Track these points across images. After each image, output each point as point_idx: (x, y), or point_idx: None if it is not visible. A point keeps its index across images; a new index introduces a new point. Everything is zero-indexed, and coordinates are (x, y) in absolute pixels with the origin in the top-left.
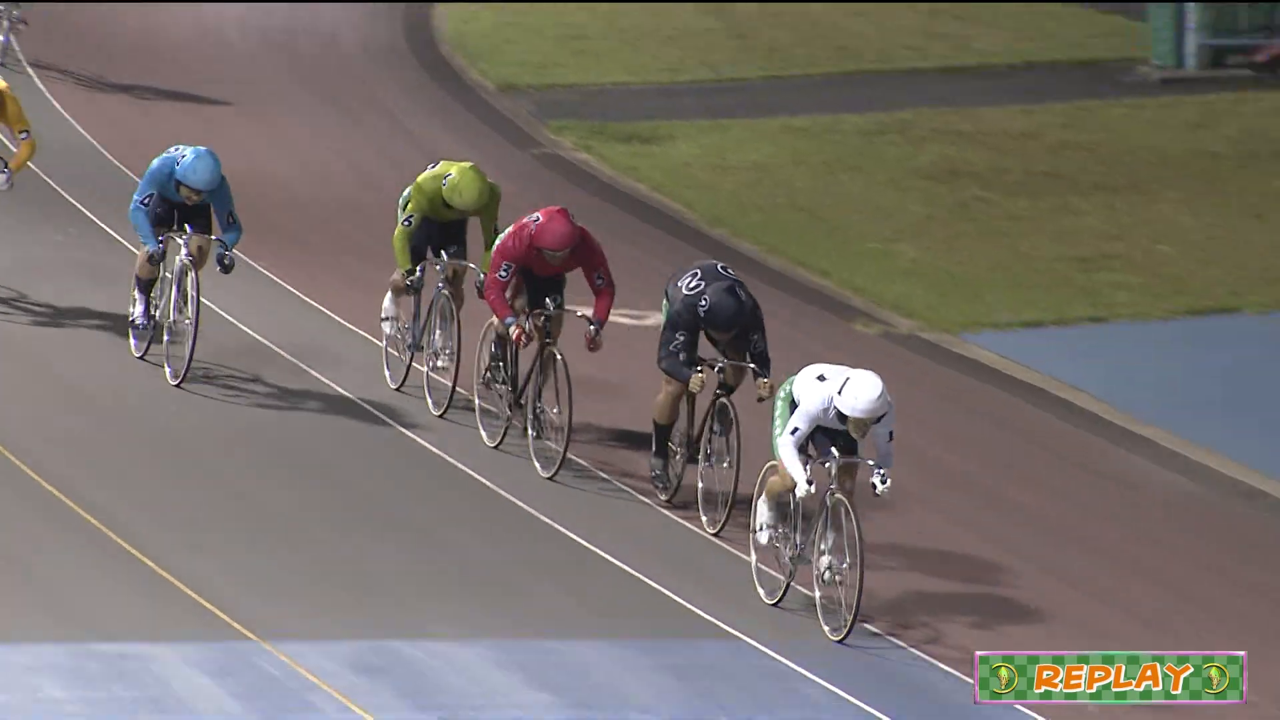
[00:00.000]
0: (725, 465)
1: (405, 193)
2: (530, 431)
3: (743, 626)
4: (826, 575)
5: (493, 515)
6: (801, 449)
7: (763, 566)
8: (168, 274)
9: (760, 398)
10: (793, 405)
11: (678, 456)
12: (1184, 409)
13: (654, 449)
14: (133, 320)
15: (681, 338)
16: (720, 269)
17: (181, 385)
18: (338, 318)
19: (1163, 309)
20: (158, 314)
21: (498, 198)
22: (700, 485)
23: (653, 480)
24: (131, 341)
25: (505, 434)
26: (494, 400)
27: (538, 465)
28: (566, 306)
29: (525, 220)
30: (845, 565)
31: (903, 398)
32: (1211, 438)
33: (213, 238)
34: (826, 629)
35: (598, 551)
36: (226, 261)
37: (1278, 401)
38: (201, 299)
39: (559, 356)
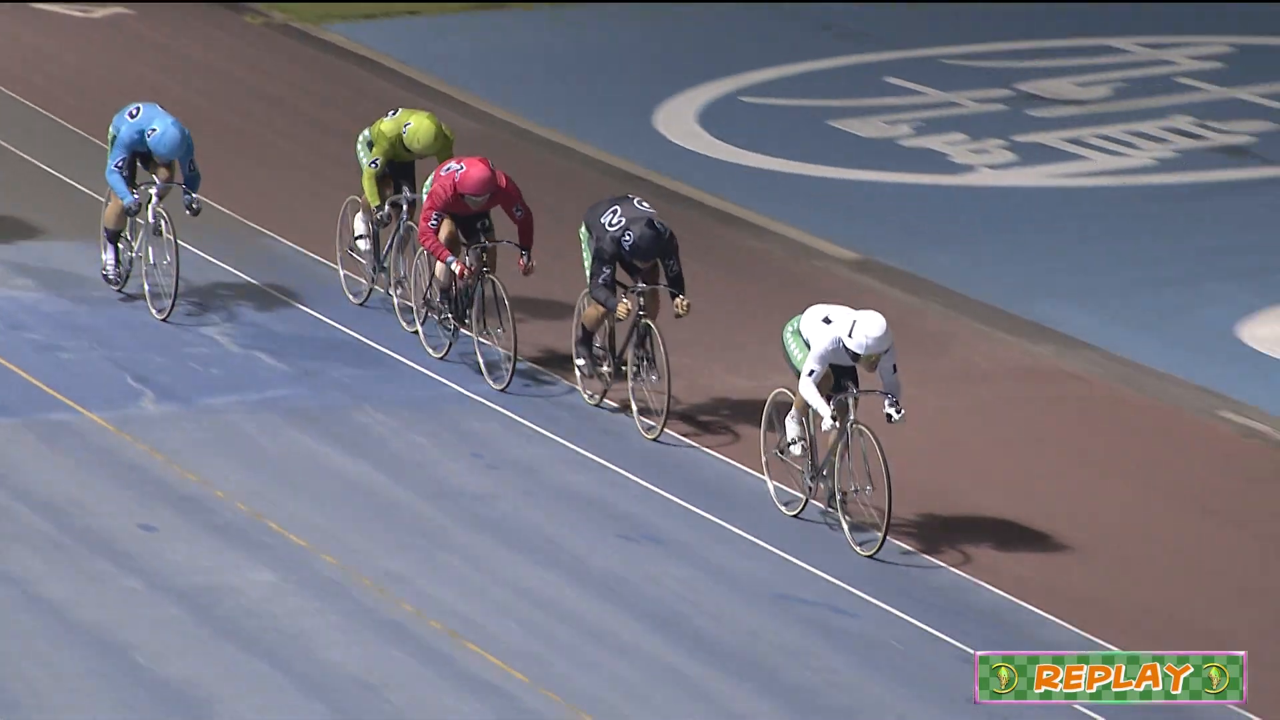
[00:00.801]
0: (654, 379)
1: (362, 137)
2: (480, 350)
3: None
4: (853, 496)
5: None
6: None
7: (780, 486)
8: (140, 221)
9: (677, 314)
10: (803, 342)
11: (604, 367)
12: (473, 72)
13: (583, 353)
14: (104, 273)
15: (608, 270)
16: (637, 202)
17: (168, 320)
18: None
19: (457, 6)
20: (135, 252)
21: (452, 142)
22: (634, 401)
23: (579, 369)
24: (104, 258)
25: (450, 348)
26: (435, 327)
27: (488, 379)
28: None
29: (450, 170)
30: (870, 489)
31: (283, 76)
32: (490, 92)
33: (177, 183)
34: (856, 546)
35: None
36: (195, 206)
37: (532, 64)
38: (178, 241)
39: (496, 282)
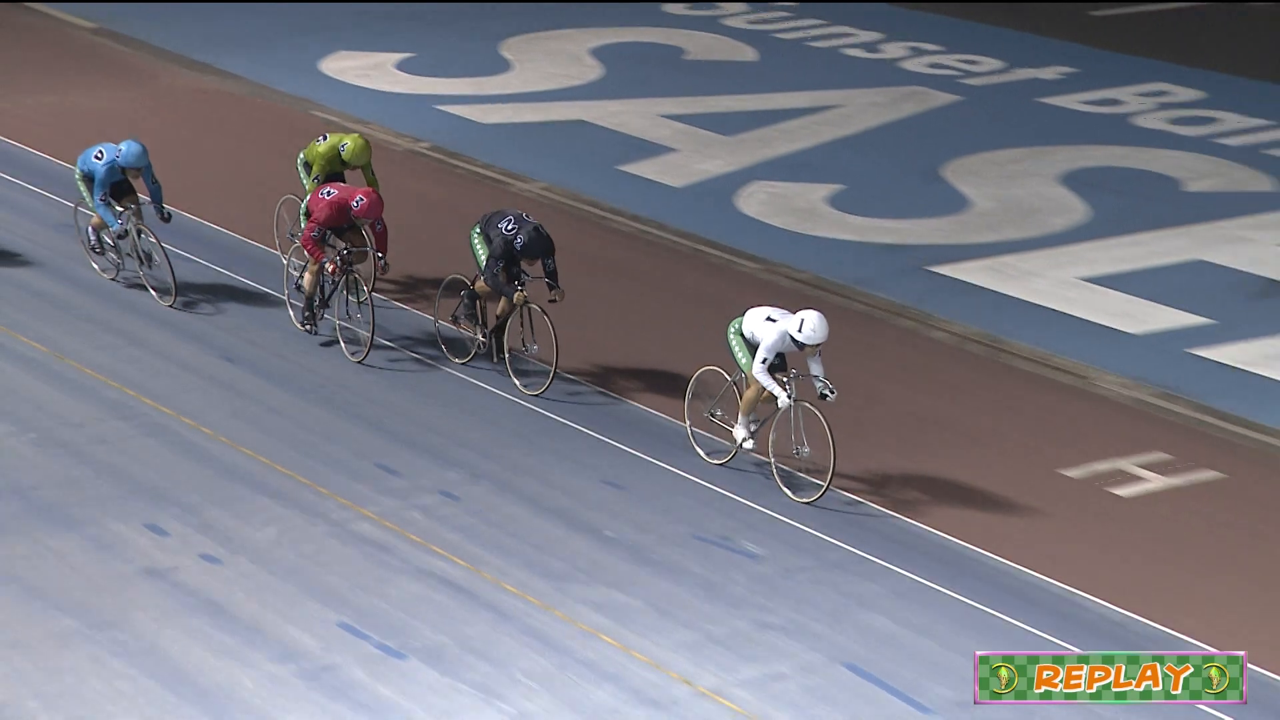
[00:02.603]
0: (535, 348)
1: (301, 158)
2: (342, 328)
3: None
4: (797, 454)
5: None
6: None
7: (698, 430)
8: (126, 229)
9: (552, 300)
10: (742, 338)
11: (479, 337)
12: None
13: (466, 312)
14: (95, 248)
15: (501, 264)
16: (524, 216)
17: (173, 306)
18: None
19: None
20: (123, 260)
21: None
22: (510, 367)
23: (459, 316)
24: (94, 265)
25: (315, 322)
26: (302, 302)
27: (345, 349)
28: (363, 248)
29: (339, 198)
30: (807, 450)
31: None
32: None
33: (144, 199)
34: (796, 497)
35: None
36: (167, 213)
37: None
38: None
39: (359, 279)
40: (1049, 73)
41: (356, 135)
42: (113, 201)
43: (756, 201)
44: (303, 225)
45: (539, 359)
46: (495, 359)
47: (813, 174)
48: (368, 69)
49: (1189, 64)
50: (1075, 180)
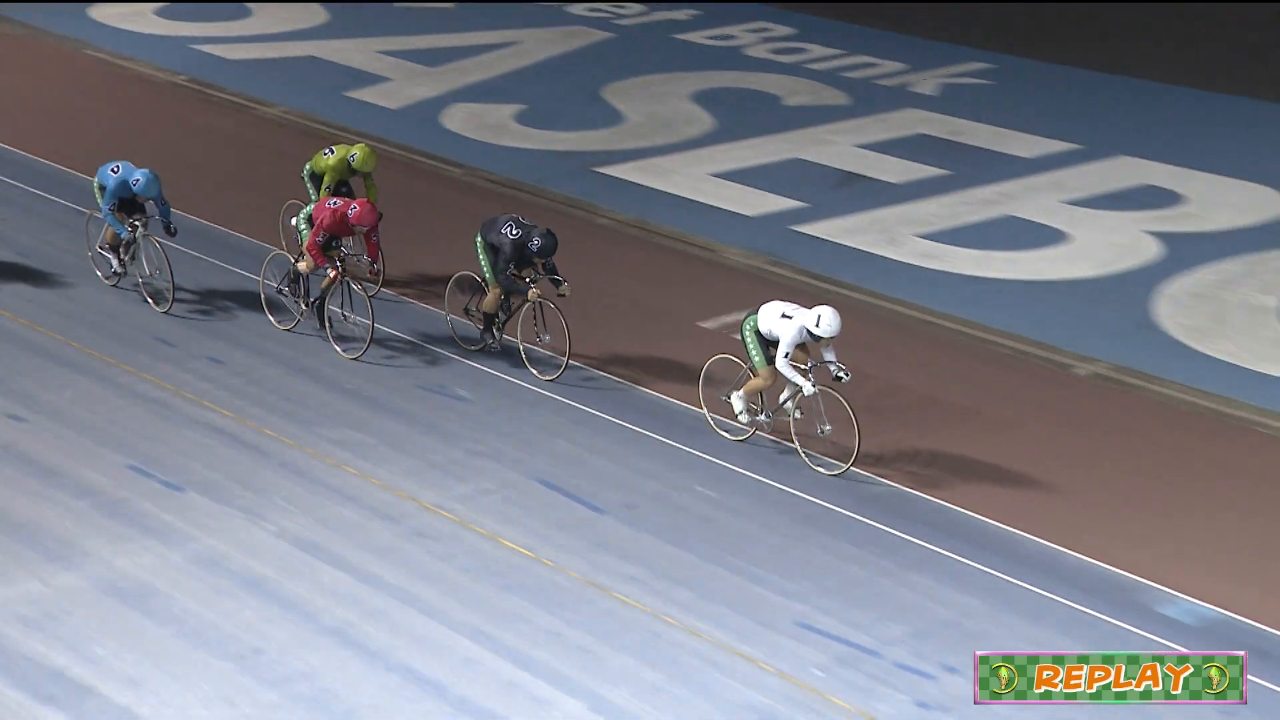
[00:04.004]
0: (548, 338)
1: (308, 170)
2: (329, 328)
3: None
4: (821, 434)
5: None
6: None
7: (718, 417)
8: (133, 239)
9: (561, 295)
10: (758, 334)
11: (491, 335)
12: None
13: (484, 327)
14: (113, 270)
15: (511, 265)
16: (522, 219)
17: (169, 311)
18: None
19: None
20: (134, 270)
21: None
22: (525, 358)
23: (482, 338)
24: (98, 271)
25: (296, 324)
26: (289, 304)
27: (338, 349)
28: (353, 253)
29: (341, 207)
30: (829, 429)
31: None
32: None
33: (152, 217)
34: (822, 470)
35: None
36: (173, 228)
37: None
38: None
39: (352, 284)
40: (681, 14)
41: (363, 145)
42: (116, 210)
43: (457, 119)
44: (302, 230)
45: (553, 349)
46: (494, 342)
47: (501, 97)
48: (130, 14)
49: (783, 7)
50: (703, 98)
